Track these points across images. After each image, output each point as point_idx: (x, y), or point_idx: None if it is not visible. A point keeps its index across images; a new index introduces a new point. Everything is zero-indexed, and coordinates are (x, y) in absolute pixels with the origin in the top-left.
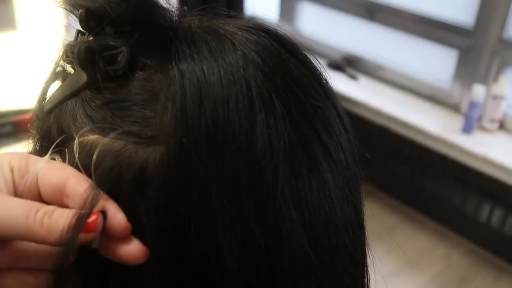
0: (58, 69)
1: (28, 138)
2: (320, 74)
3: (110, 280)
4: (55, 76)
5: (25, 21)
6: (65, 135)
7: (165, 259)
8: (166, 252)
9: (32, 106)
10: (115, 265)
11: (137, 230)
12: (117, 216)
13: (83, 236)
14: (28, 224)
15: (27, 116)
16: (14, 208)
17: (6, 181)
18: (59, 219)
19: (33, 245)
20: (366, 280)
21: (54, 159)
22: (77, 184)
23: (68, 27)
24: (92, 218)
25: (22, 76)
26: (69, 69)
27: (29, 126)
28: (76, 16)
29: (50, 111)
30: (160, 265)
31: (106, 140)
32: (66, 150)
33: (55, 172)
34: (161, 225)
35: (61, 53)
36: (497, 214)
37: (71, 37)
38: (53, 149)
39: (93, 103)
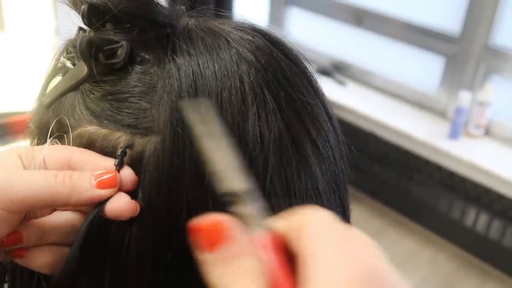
0: (59, 65)
1: (25, 135)
2: (310, 74)
3: (106, 264)
4: (55, 72)
5: (14, 22)
6: (63, 127)
7: (158, 242)
8: (159, 235)
9: (21, 108)
10: (109, 250)
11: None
12: (126, 171)
13: (104, 193)
14: (50, 185)
15: (15, 118)
16: (34, 176)
17: (17, 166)
18: (79, 178)
19: (57, 219)
20: None
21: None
22: (82, 155)
23: (57, 29)
24: (112, 174)
25: (11, 77)
26: (69, 65)
27: (27, 121)
28: (78, 13)
29: (49, 105)
30: (153, 248)
31: (103, 131)
32: (65, 136)
33: (59, 150)
34: (156, 209)
35: (61, 49)
36: (483, 219)
37: (60, 39)
38: (52, 138)
39: (92, 95)
